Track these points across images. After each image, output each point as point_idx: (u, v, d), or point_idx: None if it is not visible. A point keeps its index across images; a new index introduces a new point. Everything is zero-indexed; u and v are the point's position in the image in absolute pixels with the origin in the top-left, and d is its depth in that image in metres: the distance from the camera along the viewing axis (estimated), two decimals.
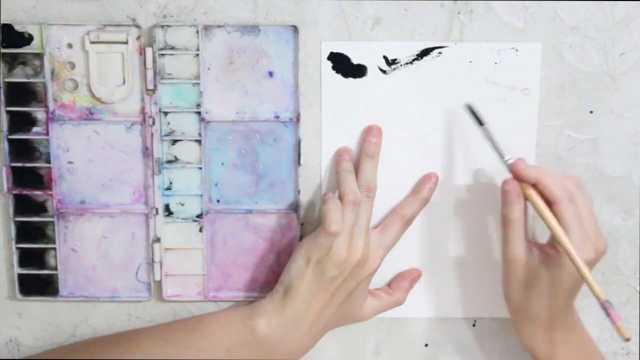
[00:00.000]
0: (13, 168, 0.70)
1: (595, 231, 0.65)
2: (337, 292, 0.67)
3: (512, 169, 0.66)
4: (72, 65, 0.69)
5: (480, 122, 0.67)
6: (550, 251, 0.66)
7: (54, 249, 0.71)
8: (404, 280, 0.72)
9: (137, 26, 0.68)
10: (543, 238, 0.70)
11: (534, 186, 0.65)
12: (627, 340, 0.60)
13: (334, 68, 0.69)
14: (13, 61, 0.69)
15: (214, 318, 0.69)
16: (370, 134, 0.69)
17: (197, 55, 0.69)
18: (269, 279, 0.72)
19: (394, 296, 0.71)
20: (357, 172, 0.69)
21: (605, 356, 0.71)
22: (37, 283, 0.72)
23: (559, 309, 0.67)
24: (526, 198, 0.66)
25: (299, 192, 0.71)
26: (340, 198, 0.66)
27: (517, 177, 0.66)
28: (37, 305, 0.73)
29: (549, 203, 0.65)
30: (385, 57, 0.69)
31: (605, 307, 0.61)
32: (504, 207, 0.66)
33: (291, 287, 0.66)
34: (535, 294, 0.66)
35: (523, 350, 0.74)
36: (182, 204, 0.71)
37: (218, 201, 0.71)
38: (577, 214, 0.64)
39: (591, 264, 0.64)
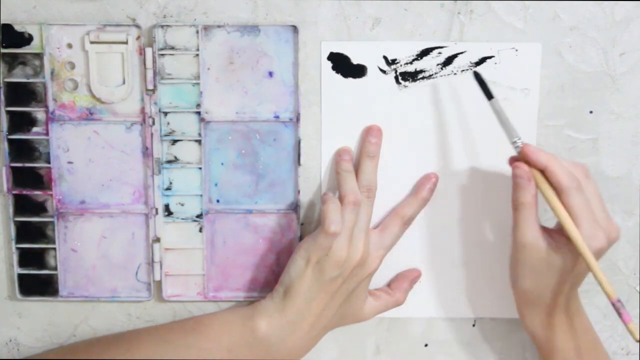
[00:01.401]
0: (13, 168, 0.70)
1: (606, 219, 0.64)
2: (337, 293, 0.67)
3: (522, 152, 0.64)
4: (72, 65, 0.69)
5: (489, 96, 0.66)
6: (558, 237, 0.64)
7: (54, 249, 0.71)
8: (404, 281, 0.72)
9: (137, 26, 0.68)
10: (549, 223, 0.68)
11: (542, 172, 0.63)
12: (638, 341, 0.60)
13: (333, 68, 0.69)
14: (13, 61, 0.69)
15: (214, 318, 0.69)
16: (370, 134, 0.69)
17: (197, 55, 0.68)
18: (269, 279, 0.72)
19: (394, 296, 0.71)
20: (357, 173, 0.69)
21: None
22: (37, 283, 0.72)
23: (563, 294, 0.65)
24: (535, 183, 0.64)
25: (299, 192, 0.71)
26: (340, 198, 0.66)
27: (527, 161, 0.64)
28: (37, 305, 0.73)
29: (556, 190, 0.63)
30: (385, 57, 0.69)
31: (616, 307, 0.61)
32: (515, 191, 0.64)
33: (291, 287, 0.66)
34: (543, 278, 0.65)
35: (522, 350, 0.74)
36: (182, 204, 0.71)
37: (218, 201, 0.71)
38: (586, 202, 0.63)
39: (602, 252, 0.63)
